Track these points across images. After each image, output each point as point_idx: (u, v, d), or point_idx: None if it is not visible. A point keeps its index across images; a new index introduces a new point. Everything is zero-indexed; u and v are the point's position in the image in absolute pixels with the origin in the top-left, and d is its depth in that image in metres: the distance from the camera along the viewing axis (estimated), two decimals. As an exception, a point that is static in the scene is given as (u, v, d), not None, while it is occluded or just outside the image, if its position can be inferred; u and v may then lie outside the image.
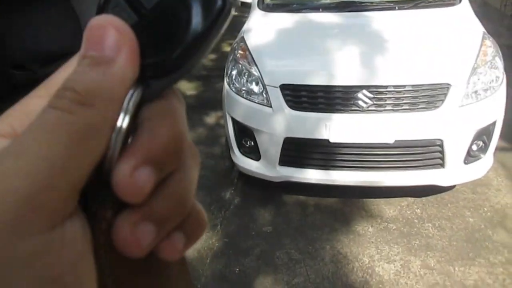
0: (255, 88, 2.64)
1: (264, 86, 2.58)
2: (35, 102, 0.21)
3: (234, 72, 2.79)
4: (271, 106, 2.55)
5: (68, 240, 0.18)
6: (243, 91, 2.69)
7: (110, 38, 0.19)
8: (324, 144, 2.52)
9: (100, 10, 0.20)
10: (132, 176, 0.19)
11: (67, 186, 0.18)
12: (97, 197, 0.20)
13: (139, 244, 0.20)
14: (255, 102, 2.61)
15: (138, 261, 0.21)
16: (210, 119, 4.08)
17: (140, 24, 0.20)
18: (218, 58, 5.26)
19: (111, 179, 0.19)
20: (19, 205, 0.16)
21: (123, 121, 0.19)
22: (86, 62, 0.19)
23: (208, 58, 5.39)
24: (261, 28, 3.05)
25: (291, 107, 2.51)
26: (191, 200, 0.23)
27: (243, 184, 3.09)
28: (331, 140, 2.47)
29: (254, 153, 2.73)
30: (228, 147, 2.97)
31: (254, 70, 2.65)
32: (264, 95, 2.58)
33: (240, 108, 2.70)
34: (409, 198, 2.88)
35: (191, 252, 2.44)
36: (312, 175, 2.60)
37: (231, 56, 2.92)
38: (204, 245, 2.52)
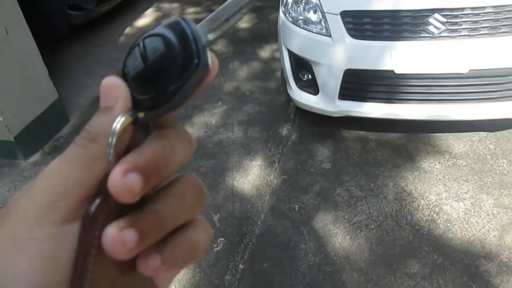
0: (313, 16, 2.45)
1: (323, 13, 2.39)
2: None
3: (290, 0, 2.60)
4: (330, 36, 2.37)
5: (72, 238, 0.24)
6: (300, 21, 2.51)
7: (112, 92, 0.26)
8: (388, 76, 2.34)
9: (126, 56, 0.26)
10: (123, 177, 0.24)
11: (74, 197, 0.24)
12: (98, 203, 0.24)
13: (124, 245, 0.24)
14: (313, 32, 2.44)
15: (120, 269, 0.26)
16: (265, 52, 3.93)
17: (144, 70, 0.25)
18: (271, -14, 4.98)
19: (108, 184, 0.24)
20: (42, 204, 0.24)
21: (112, 139, 0.25)
22: (99, 110, 0.26)
23: (261, -13, 5.12)
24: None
25: (352, 35, 2.32)
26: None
27: (300, 120, 2.99)
28: (396, 71, 2.29)
29: (312, 87, 2.60)
30: (284, 81, 2.85)
31: (312, -3, 2.45)
32: (323, 23, 2.39)
33: (297, 39, 2.54)
34: (481, 133, 2.66)
35: (250, 189, 2.43)
36: (374, 109, 2.45)
37: (287, -18, 2.70)
38: (262, 182, 2.49)
